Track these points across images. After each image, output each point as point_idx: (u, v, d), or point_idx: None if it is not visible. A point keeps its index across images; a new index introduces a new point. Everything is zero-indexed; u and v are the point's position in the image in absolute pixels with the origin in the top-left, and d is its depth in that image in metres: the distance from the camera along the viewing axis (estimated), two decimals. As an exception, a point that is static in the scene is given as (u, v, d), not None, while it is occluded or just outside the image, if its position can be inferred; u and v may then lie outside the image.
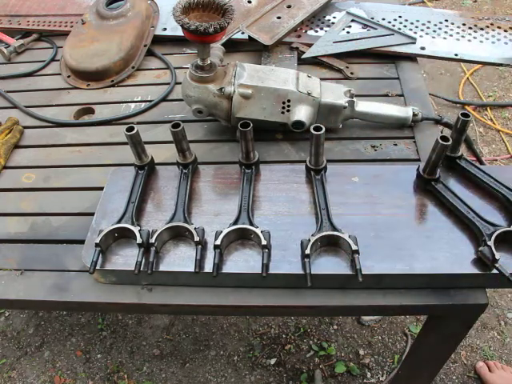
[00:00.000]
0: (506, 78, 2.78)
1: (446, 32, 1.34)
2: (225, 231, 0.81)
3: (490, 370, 1.59)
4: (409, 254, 0.80)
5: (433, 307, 0.81)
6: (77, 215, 0.99)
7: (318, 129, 0.84)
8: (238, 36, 1.35)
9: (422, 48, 1.29)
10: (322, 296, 0.81)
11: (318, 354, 1.70)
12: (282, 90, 1.02)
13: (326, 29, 1.37)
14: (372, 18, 1.38)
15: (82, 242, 0.88)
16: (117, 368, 1.72)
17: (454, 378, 1.64)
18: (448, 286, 0.80)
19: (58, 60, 1.43)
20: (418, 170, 0.90)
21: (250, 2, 1.41)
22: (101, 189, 0.98)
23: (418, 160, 1.03)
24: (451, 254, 0.80)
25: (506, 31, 1.34)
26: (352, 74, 1.27)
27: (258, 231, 0.81)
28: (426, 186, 0.89)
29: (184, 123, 0.88)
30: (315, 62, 1.31)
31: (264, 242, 0.79)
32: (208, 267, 0.80)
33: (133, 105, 1.26)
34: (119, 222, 0.86)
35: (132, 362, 1.74)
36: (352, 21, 1.38)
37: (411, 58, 1.31)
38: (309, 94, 1.02)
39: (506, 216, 0.85)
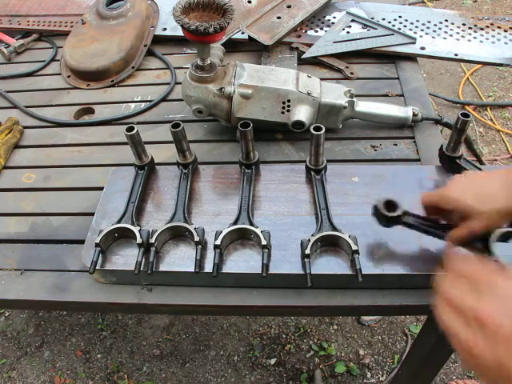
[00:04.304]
0: (505, 78, 2.78)
1: (446, 32, 1.34)
2: (225, 231, 0.81)
3: None
4: (409, 253, 0.80)
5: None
6: (77, 215, 0.99)
7: (317, 129, 0.84)
8: (238, 36, 1.35)
9: (422, 48, 1.29)
10: (322, 296, 0.81)
11: (318, 353, 1.70)
12: (281, 89, 1.02)
13: (326, 29, 1.37)
14: (372, 18, 1.38)
15: (82, 242, 0.88)
16: (117, 368, 1.72)
17: (454, 377, 1.63)
18: (448, 286, 0.80)
19: (58, 60, 1.43)
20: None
21: (250, 1, 1.41)
22: (101, 189, 0.98)
23: (418, 160, 1.03)
24: (451, 254, 0.80)
25: (506, 31, 1.34)
26: (352, 74, 1.27)
27: (257, 231, 0.81)
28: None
29: (184, 123, 0.88)
30: (315, 62, 1.31)
31: (264, 242, 0.79)
32: (208, 267, 0.80)
33: (133, 105, 1.26)
34: (119, 221, 0.86)
35: (132, 362, 1.74)
36: (352, 21, 1.38)
37: (411, 58, 1.30)
38: (309, 93, 1.02)
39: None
